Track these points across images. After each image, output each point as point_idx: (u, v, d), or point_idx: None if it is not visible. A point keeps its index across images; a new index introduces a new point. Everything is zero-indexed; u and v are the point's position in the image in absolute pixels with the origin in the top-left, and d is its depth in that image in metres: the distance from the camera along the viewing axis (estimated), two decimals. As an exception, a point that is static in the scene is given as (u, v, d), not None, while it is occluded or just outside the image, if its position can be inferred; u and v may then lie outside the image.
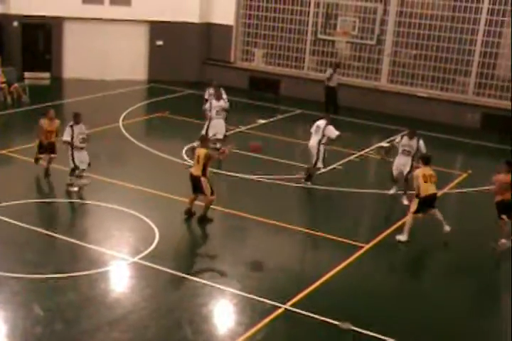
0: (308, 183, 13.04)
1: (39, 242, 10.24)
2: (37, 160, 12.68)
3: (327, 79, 19.23)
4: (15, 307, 8.29)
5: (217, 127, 14.58)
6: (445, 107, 19.00)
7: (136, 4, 21.04)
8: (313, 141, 12.96)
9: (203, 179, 10.87)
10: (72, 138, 11.84)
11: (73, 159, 11.98)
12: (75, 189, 12.03)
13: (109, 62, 21.36)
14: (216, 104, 14.61)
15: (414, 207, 10.79)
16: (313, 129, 13.10)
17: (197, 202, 11.22)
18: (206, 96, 15.45)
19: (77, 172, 12.17)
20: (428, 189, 10.71)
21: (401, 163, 12.37)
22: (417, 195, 10.76)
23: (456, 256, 10.76)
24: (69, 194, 11.97)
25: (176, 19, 21.16)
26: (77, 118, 12.03)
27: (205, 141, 11.37)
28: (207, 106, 14.79)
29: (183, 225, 11.22)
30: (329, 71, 19.31)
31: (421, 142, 12.26)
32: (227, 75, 20.83)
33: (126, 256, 9.79)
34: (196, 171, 10.92)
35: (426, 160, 10.97)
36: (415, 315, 8.69)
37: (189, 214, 11.20)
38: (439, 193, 11.64)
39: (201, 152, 10.91)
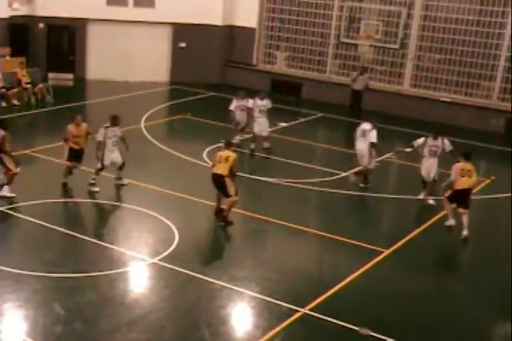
0: (362, 185, 13.14)
1: (60, 241, 10.32)
2: (70, 171, 12.30)
3: (352, 82, 19.20)
4: (35, 306, 8.36)
5: (262, 124, 14.89)
6: (469, 112, 18.81)
7: (160, 6, 21.16)
8: (362, 145, 13.06)
9: (227, 179, 10.88)
10: (104, 139, 11.91)
11: (103, 160, 12.05)
12: (97, 189, 12.10)
13: (132, 64, 21.50)
14: (260, 103, 14.88)
15: (448, 193, 10.98)
16: (358, 133, 13.20)
17: (211, 203, 11.25)
18: (232, 108, 15.20)
19: (115, 174, 12.31)
20: (464, 183, 10.84)
21: (428, 164, 12.41)
22: (452, 188, 10.92)
23: (479, 261, 10.66)
24: (91, 194, 12.05)
25: (199, 21, 21.25)
26: (114, 121, 12.09)
27: (230, 144, 11.40)
28: (250, 104, 14.94)
29: (203, 227, 11.24)
30: (354, 74, 19.33)
31: (446, 141, 12.39)
32: (249, 78, 20.85)
33: (145, 256, 9.82)
34: (222, 171, 10.90)
35: (466, 156, 11.06)
36: (435, 321, 8.58)
37: (220, 212, 11.19)
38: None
39: (232, 155, 10.94)
